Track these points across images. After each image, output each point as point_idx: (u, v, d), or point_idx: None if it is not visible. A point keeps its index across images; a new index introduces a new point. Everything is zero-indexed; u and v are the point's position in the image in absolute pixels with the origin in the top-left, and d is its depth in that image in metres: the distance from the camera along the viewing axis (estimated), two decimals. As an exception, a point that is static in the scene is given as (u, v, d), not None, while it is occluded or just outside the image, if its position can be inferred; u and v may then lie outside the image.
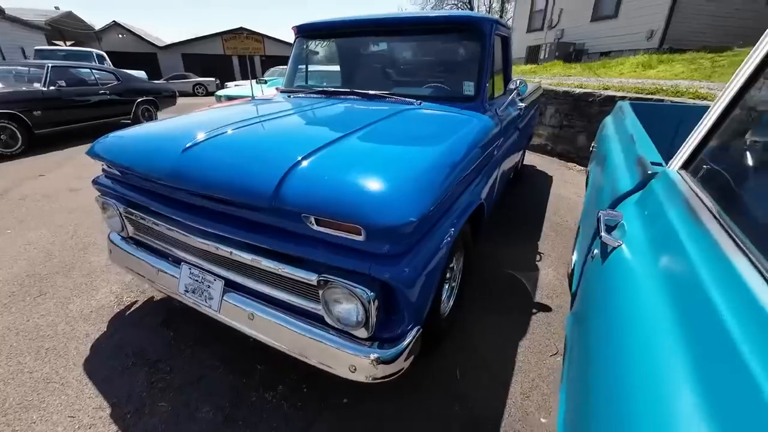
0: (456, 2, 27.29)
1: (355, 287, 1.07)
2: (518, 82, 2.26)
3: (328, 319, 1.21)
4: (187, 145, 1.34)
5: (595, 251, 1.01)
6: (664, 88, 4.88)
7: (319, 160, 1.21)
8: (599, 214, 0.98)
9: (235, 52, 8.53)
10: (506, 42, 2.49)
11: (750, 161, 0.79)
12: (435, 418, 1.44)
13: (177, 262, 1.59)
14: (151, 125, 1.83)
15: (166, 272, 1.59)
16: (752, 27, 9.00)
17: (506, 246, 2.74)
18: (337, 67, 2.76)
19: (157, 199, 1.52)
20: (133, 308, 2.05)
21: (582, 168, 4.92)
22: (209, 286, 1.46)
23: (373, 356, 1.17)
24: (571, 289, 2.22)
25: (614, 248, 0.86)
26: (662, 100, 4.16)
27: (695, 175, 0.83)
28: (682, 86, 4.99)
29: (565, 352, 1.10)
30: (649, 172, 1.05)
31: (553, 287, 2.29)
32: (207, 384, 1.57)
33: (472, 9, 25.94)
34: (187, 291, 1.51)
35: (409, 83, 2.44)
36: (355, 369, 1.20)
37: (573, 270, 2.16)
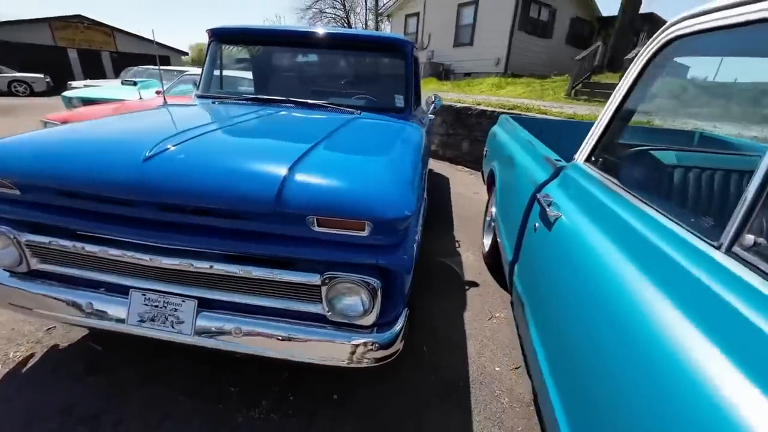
0: (333, 17, 28.24)
1: (364, 278, 1.18)
2: (434, 97, 2.65)
3: (329, 315, 1.27)
4: (148, 154, 1.20)
5: (537, 224, 1.37)
6: (518, 105, 6.23)
7: (310, 164, 1.26)
8: (539, 196, 1.34)
9: (73, 44, 7.08)
10: (417, 61, 2.88)
11: (628, 154, 1.26)
12: (419, 390, 1.63)
13: (117, 290, 1.37)
14: (51, 132, 1.51)
15: (103, 304, 1.35)
16: (560, 61, 12.15)
17: (432, 238, 3.13)
18: (250, 75, 2.70)
19: (94, 218, 1.29)
20: (30, 363, 1.61)
21: (469, 170, 5.85)
22: (176, 310, 1.32)
23: (374, 341, 1.29)
24: (488, 267, 2.72)
25: (556, 218, 1.22)
26: (520, 114, 5.33)
27: (595, 164, 1.26)
28: (527, 104, 6.47)
29: (520, 307, 1.44)
30: (559, 165, 1.48)
31: (475, 267, 2.75)
32: (175, 422, 1.40)
33: (349, 26, 27.23)
34: (142, 320, 1.32)
35: (338, 94, 2.58)
36: (358, 357, 1.29)
37: (488, 251, 2.65)
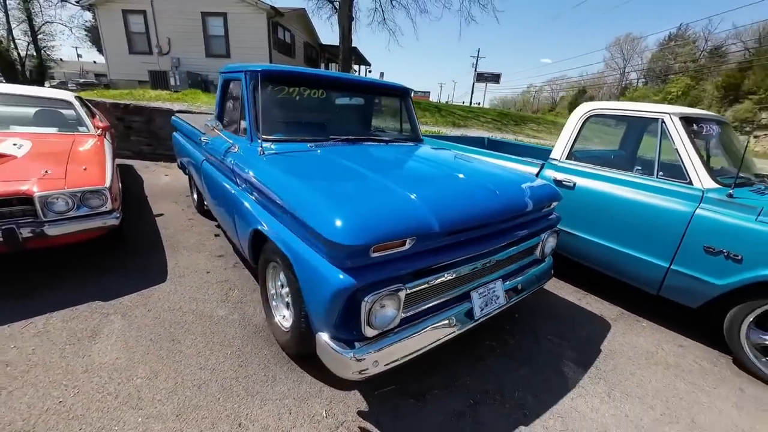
0: None
1: (555, 230, 2.31)
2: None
3: (539, 256, 2.28)
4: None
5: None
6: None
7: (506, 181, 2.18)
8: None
9: None
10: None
11: (591, 153, 3.04)
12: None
13: (461, 298, 1.75)
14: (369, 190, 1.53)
15: (458, 314, 1.71)
16: None
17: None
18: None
19: (450, 248, 1.64)
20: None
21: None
22: (494, 290, 1.90)
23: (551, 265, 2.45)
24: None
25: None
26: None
27: (569, 159, 2.95)
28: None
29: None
30: (545, 162, 3.09)
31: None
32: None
33: None
34: (482, 309, 1.82)
35: (370, 130, 3.03)
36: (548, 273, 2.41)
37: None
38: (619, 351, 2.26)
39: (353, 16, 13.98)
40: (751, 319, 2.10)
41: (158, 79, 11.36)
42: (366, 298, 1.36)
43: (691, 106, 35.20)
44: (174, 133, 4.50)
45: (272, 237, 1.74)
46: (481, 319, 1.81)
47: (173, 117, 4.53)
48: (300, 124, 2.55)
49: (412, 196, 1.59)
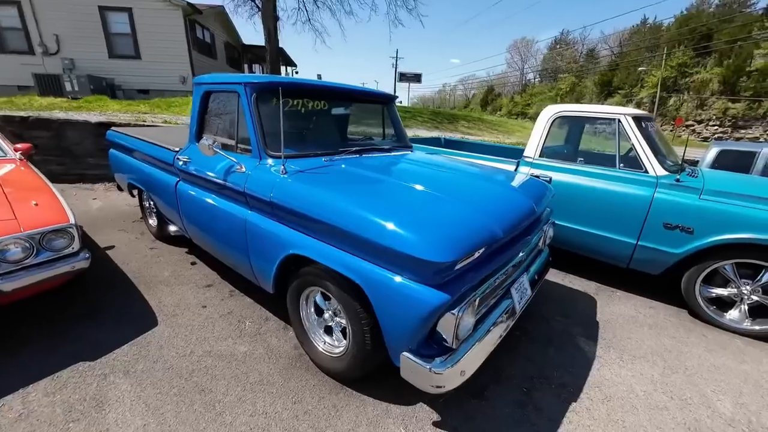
0: None
1: (553, 223, 2.59)
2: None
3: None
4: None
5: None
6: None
7: (526, 183, 2.40)
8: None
9: None
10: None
11: (559, 150, 3.39)
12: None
13: (504, 296, 1.88)
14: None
15: (505, 312, 1.83)
16: None
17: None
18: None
19: (503, 251, 1.76)
20: None
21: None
22: (523, 284, 2.07)
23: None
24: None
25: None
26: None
27: (542, 156, 3.29)
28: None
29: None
30: (519, 160, 3.38)
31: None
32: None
33: None
34: (519, 303, 1.97)
35: (370, 139, 2.98)
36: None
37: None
38: (611, 320, 2.63)
39: (278, 15, 13.39)
40: (701, 278, 2.63)
41: (48, 84, 9.48)
42: (454, 312, 1.39)
43: (576, 101, 41.23)
44: (112, 150, 3.87)
45: (324, 261, 1.65)
46: (520, 312, 1.96)
47: (109, 131, 3.89)
48: (309, 138, 2.43)
49: (474, 208, 1.66)
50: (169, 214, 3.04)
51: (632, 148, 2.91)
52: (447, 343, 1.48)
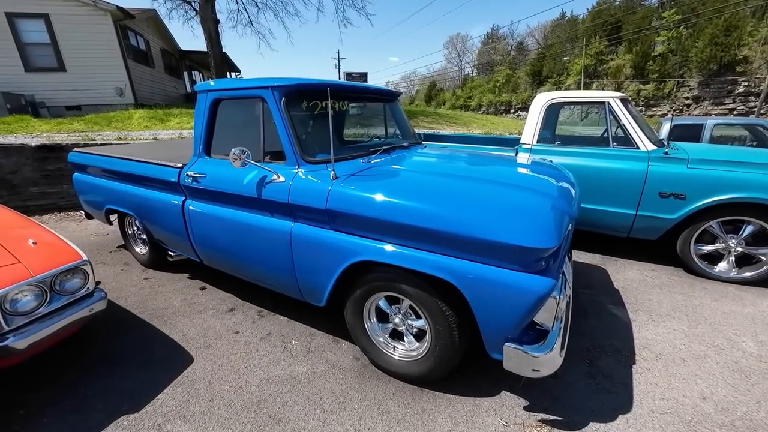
0: None
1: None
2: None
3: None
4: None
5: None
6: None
7: (558, 169, 2.51)
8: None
9: None
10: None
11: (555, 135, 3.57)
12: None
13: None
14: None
15: (562, 290, 1.90)
16: (166, 90, 12.60)
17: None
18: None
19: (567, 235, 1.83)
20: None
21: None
22: (566, 264, 2.16)
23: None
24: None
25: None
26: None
27: (539, 142, 3.47)
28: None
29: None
30: (518, 147, 3.52)
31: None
32: (580, 332, 2.25)
33: None
34: (568, 282, 2.06)
35: (390, 137, 2.89)
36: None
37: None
38: (626, 286, 2.86)
39: (218, 18, 12.63)
40: (694, 238, 2.96)
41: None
42: (554, 295, 1.42)
43: (513, 91, 44.20)
44: (77, 174, 3.40)
45: (405, 264, 1.59)
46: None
47: (72, 153, 3.40)
48: (338, 140, 2.32)
49: (544, 193, 1.70)
50: (169, 237, 2.73)
51: (621, 127, 3.18)
52: (543, 327, 1.51)
